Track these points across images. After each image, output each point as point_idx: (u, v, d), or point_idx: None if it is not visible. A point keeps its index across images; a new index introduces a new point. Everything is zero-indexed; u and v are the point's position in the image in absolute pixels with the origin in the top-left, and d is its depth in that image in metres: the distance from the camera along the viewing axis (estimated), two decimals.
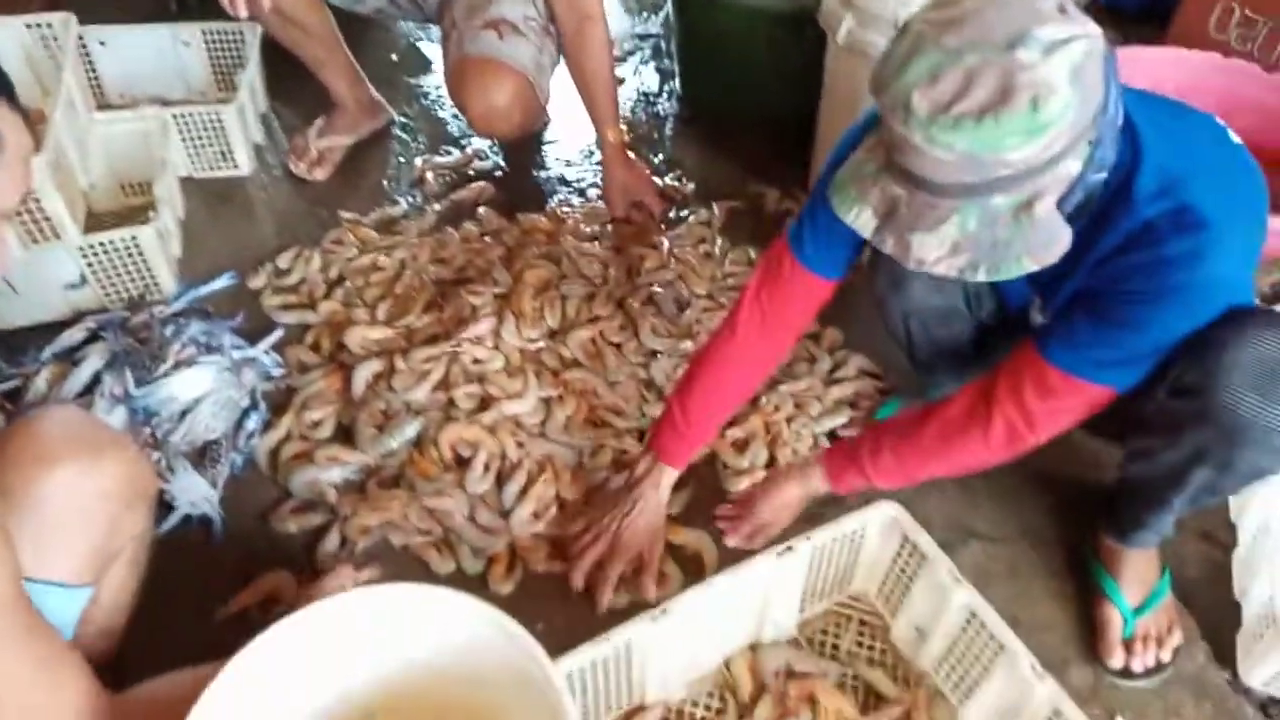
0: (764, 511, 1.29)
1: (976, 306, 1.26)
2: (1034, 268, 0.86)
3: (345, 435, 1.43)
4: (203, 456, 1.36)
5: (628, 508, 1.25)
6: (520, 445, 1.40)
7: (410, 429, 1.41)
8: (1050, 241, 0.85)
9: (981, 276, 0.86)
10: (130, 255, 1.56)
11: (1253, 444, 0.95)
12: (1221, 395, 0.93)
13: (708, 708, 1.14)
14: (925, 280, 1.21)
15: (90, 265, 1.54)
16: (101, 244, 1.53)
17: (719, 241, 1.80)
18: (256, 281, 1.69)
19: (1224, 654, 1.23)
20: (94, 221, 1.76)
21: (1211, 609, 1.28)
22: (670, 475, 1.27)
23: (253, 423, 1.41)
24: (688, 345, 1.57)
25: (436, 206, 1.89)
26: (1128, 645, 1.19)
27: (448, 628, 0.87)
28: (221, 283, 1.66)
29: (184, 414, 1.37)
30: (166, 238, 1.64)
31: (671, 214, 1.91)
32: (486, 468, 1.36)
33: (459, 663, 0.89)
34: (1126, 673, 1.18)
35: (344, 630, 0.87)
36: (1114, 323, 0.96)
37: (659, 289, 1.66)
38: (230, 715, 0.79)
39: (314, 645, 0.86)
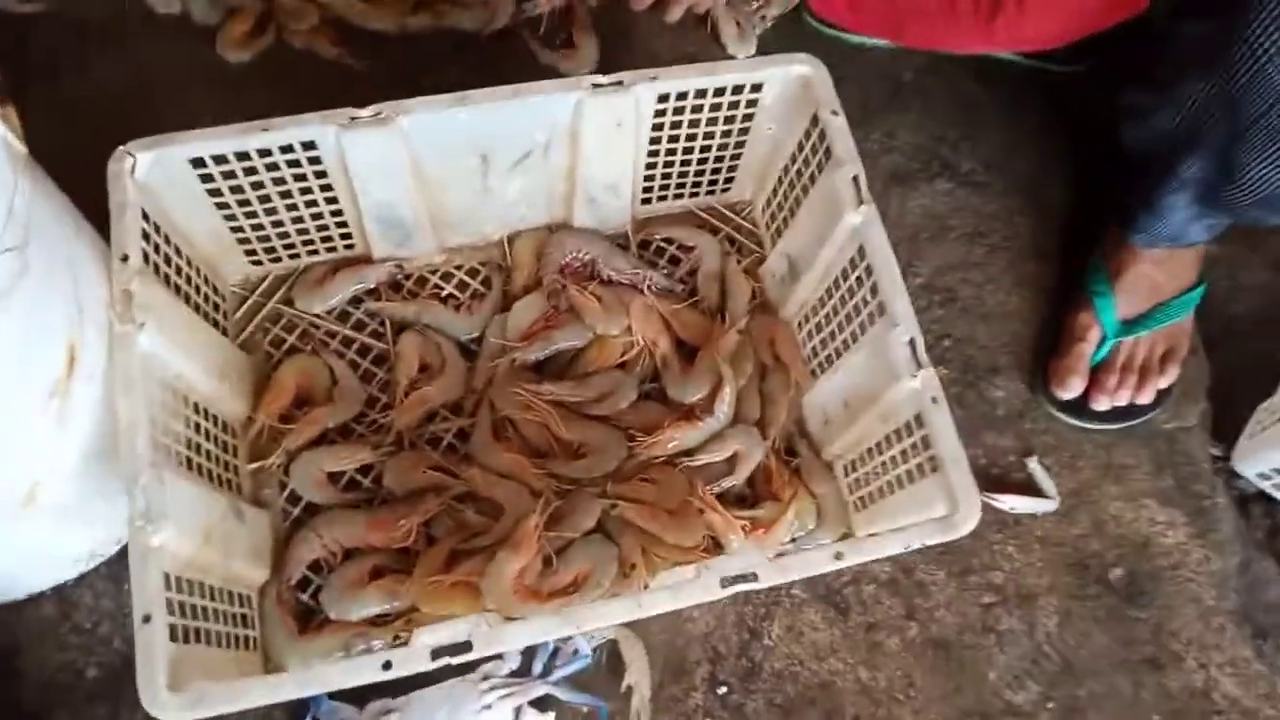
0: None
1: None
2: None
3: None
4: None
5: None
6: None
7: None
8: None
9: None
10: None
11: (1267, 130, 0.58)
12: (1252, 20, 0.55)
13: (463, 284, 0.80)
14: None
15: None
16: None
17: None
18: None
19: (1227, 426, 0.85)
20: None
21: (1242, 362, 0.88)
22: None
23: None
24: None
25: None
26: (1098, 374, 0.80)
27: None
28: None
29: None
30: None
31: None
32: None
33: None
34: (1079, 407, 0.80)
35: None
36: None
37: None
38: None
39: None
